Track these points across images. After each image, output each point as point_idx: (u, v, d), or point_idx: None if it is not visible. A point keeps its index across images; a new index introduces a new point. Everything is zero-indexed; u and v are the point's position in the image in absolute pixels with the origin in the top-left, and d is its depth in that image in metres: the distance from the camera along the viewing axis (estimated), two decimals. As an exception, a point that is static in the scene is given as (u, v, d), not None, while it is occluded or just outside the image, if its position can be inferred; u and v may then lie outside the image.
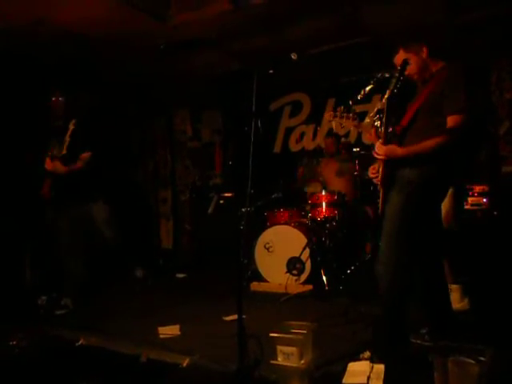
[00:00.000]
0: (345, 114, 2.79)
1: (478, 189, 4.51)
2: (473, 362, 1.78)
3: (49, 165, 3.99)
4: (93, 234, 4.21)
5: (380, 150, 2.46)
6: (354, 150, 5.16)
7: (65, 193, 4.03)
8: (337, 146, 5.29)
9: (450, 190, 2.92)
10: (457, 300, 3.09)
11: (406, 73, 2.52)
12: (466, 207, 4.43)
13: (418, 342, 2.41)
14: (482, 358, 1.78)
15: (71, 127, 3.93)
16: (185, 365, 2.44)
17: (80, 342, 2.88)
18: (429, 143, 2.36)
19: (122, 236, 4.27)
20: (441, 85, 2.42)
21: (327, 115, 2.88)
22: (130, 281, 4.52)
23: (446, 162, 2.40)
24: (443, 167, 2.40)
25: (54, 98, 4.07)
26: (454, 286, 3.12)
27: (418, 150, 2.39)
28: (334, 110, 2.86)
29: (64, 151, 3.91)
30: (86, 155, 3.94)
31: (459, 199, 3.86)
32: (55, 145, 4.01)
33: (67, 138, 3.91)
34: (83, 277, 4.06)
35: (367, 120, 2.68)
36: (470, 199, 4.50)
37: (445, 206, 2.89)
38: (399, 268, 2.38)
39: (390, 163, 2.46)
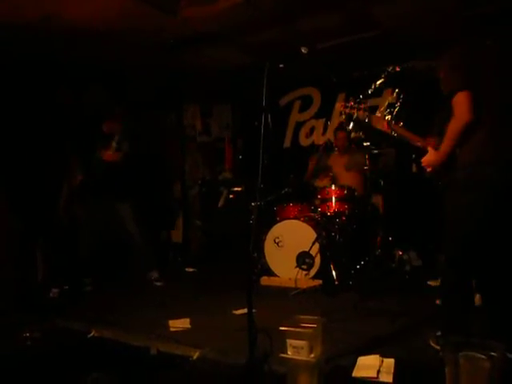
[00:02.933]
0: (356, 105, 2.78)
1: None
2: (484, 357, 1.77)
3: (109, 155, 4.38)
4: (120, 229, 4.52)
5: (424, 163, 2.42)
6: (365, 144, 5.11)
7: (103, 190, 4.42)
8: (349, 139, 5.26)
9: None
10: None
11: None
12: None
13: None
14: (493, 354, 1.77)
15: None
16: (195, 357, 2.46)
17: (91, 334, 2.92)
18: (449, 132, 2.24)
19: (147, 233, 4.56)
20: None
21: (339, 106, 2.88)
22: (144, 280, 4.58)
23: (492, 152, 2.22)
24: (491, 159, 2.22)
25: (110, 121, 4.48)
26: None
27: (448, 144, 2.27)
28: (346, 100, 2.85)
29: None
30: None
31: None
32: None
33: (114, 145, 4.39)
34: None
35: (378, 114, 2.65)
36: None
37: None
38: (451, 268, 2.40)
39: (442, 169, 2.38)
